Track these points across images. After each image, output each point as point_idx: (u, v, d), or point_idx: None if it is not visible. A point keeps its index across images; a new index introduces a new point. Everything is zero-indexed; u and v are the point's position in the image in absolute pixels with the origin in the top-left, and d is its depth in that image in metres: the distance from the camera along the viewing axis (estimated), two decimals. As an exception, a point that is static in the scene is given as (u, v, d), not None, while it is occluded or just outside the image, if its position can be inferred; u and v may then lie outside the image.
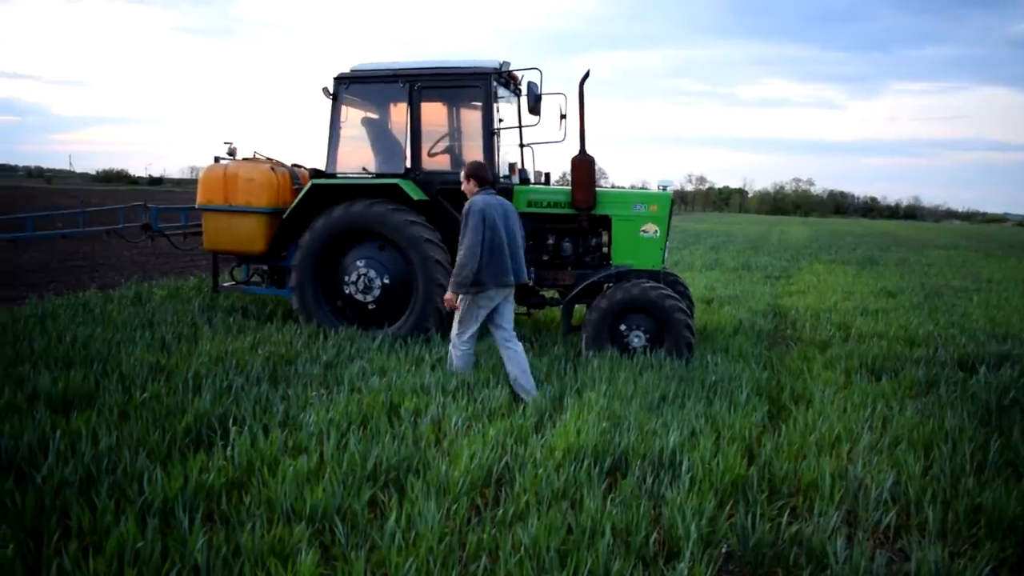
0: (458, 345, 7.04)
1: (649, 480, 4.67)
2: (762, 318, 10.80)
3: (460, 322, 7.00)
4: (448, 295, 6.87)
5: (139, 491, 4.22)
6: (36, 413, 5.31)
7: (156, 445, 4.87)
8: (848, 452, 5.31)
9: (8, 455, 4.61)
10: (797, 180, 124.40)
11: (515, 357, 6.84)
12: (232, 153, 9.62)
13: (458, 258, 6.72)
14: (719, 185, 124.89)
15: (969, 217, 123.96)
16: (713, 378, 7.00)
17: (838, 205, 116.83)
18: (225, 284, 10.23)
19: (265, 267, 9.99)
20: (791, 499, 4.65)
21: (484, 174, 7.13)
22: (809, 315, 11.35)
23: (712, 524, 4.16)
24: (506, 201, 7.09)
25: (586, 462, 4.80)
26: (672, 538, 4.05)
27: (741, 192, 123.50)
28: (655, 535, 4.07)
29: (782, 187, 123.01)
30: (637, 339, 7.92)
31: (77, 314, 9.09)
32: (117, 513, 3.95)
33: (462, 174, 7.19)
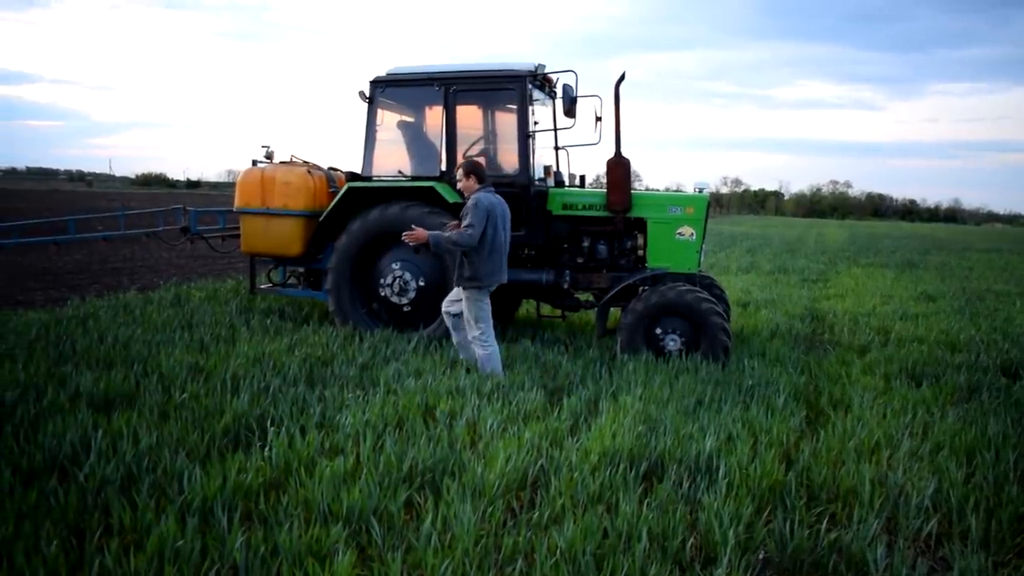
0: (484, 345, 7.21)
1: (685, 485, 4.64)
2: (799, 322, 10.70)
3: (476, 322, 7.21)
4: (420, 233, 7.09)
5: (179, 490, 4.27)
6: (78, 412, 5.39)
7: (195, 445, 4.94)
8: (888, 458, 5.23)
9: (51, 454, 4.69)
10: (834, 182, 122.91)
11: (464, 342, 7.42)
12: (269, 157, 9.71)
13: (457, 235, 6.94)
14: (755, 187, 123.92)
15: (1012, 220, 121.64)
16: (750, 382, 6.95)
17: (876, 207, 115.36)
18: (262, 286, 10.33)
19: (301, 269, 10.07)
20: (830, 505, 4.58)
21: (483, 171, 7.36)
22: (847, 319, 11.21)
23: (749, 530, 4.12)
24: (504, 201, 7.33)
25: (622, 466, 4.78)
26: (709, 543, 4.02)
27: (777, 194, 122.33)
28: (692, 540, 4.03)
29: (819, 189, 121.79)
30: (672, 342, 7.88)
31: (118, 315, 9.24)
32: (157, 512, 4.00)
33: (460, 172, 7.36)
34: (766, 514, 4.35)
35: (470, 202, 7.07)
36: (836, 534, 4.10)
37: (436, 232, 7.14)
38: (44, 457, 4.63)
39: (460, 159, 8.91)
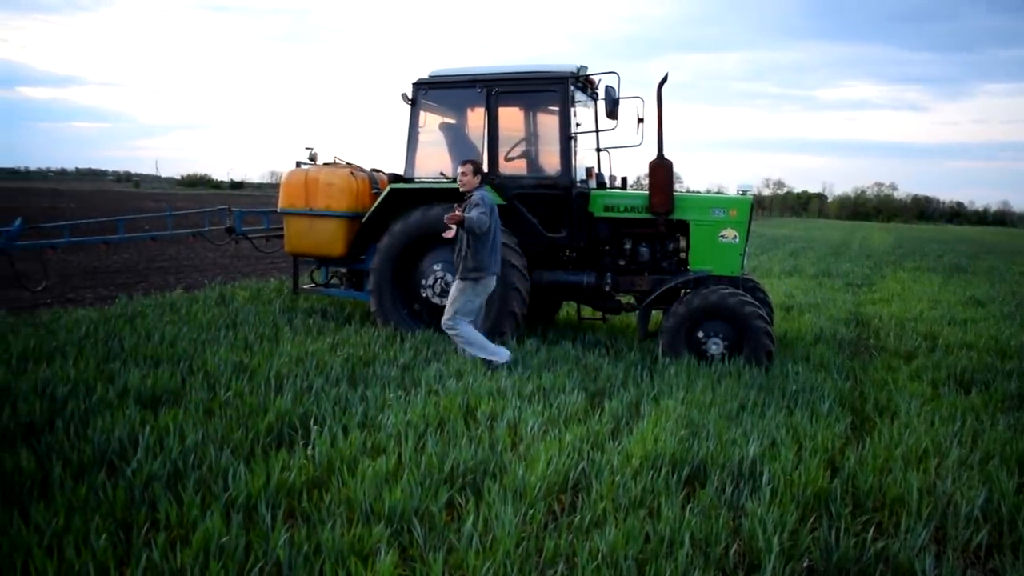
0: (461, 332, 7.63)
1: (728, 490, 4.60)
2: (844, 326, 10.55)
3: (458, 312, 7.65)
4: (457, 214, 7.30)
5: (224, 487, 4.32)
6: (126, 409, 5.49)
7: (240, 442, 5.00)
8: (936, 467, 5.13)
9: (100, 449, 4.78)
10: (879, 184, 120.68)
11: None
12: (313, 158, 9.81)
13: (476, 216, 7.27)
14: (798, 189, 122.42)
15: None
16: (794, 387, 6.87)
17: (922, 210, 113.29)
18: (305, 286, 10.43)
19: (344, 270, 10.15)
20: (876, 514, 4.51)
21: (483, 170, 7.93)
22: (893, 324, 11.03)
23: (794, 537, 4.07)
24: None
25: (664, 470, 4.75)
26: (752, 550, 3.98)
27: (821, 197, 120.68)
28: (735, 547, 4.00)
29: (863, 191, 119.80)
30: (715, 346, 7.81)
31: (164, 314, 9.39)
32: (203, 508, 4.06)
33: (469, 168, 7.75)
34: (811, 522, 4.28)
35: (476, 196, 7.54)
36: (883, 543, 4.04)
37: (468, 216, 7.32)
38: (93, 452, 4.72)
39: (502, 160, 8.93)
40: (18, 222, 8.44)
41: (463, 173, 7.75)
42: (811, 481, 4.66)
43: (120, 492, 4.15)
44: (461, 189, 7.82)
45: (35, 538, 3.64)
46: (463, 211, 7.40)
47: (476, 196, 7.56)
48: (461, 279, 7.66)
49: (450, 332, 7.72)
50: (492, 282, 7.80)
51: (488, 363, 7.37)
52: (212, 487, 4.34)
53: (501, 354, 7.52)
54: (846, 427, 5.97)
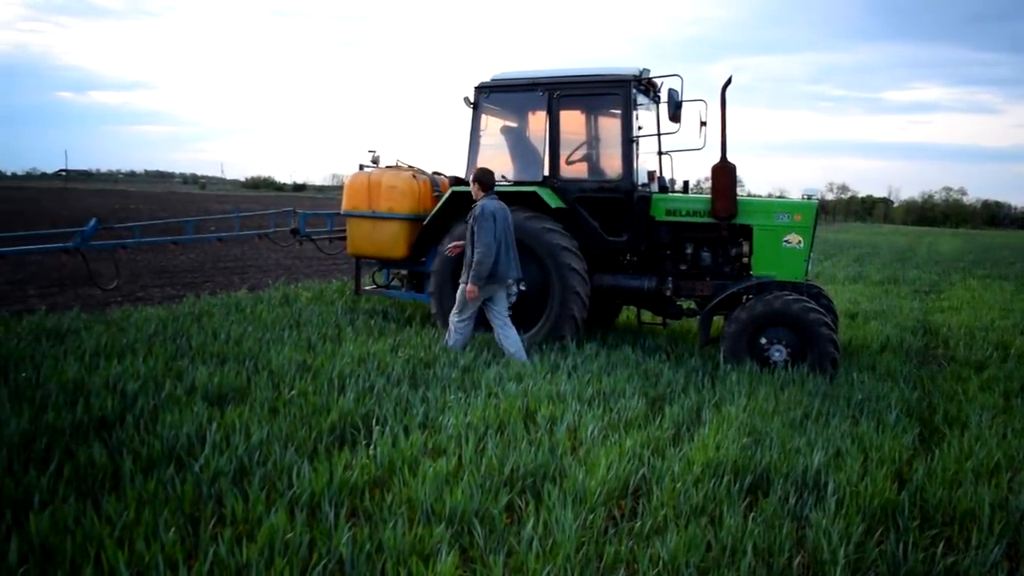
0: (459, 326, 8.12)
1: (792, 500, 4.52)
2: (911, 335, 10.30)
3: (463, 310, 8.08)
4: (470, 287, 7.84)
5: (288, 484, 4.39)
6: (194, 406, 5.62)
7: (303, 441, 5.08)
8: (1009, 481, 4.98)
9: (169, 444, 4.89)
10: (947, 189, 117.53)
11: (510, 338, 8.02)
12: (376, 161, 9.92)
13: (476, 255, 7.74)
14: (862, 194, 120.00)
15: None
16: (859, 396, 6.73)
17: (993, 216, 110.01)
18: (367, 287, 10.55)
19: (405, 272, 10.25)
20: (945, 528, 4.40)
21: (490, 180, 8.17)
22: (963, 333, 10.73)
23: (860, 550, 3.99)
24: (505, 204, 8.08)
25: (726, 478, 4.70)
26: (817, 562, 3.91)
27: (886, 201, 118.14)
28: (799, 558, 3.93)
29: (931, 196, 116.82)
30: (778, 353, 7.70)
31: (230, 313, 9.59)
32: (268, 504, 4.13)
33: (471, 178, 8.16)
34: (877, 534, 4.20)
35: (476, 211, 7.88)
36: (953, 559, 3.94)
37: (471, 275, 7.85)
38: (162, 447, 4.84)
39: (563, 164, 8.93)
40: (92, 222, 8.69)
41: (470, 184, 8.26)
42: (878, 493, 4.56)
43: (188, 487, 4.24)
44: (473, 198, 8.22)
45: (107, 530, 3.74)
46: (469, 219, 7.94)
47: (477, 207, 7.91)
48: (464, 282, 8.01)
49: (455, 324, 8.14)
50: (499, 285, 8.06)
51: (448, 342, 8.12)
52: (277, 484, 4.41)
53: (459, 349, 7.98)
54: (914, 438, 5.83)
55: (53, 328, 8.15)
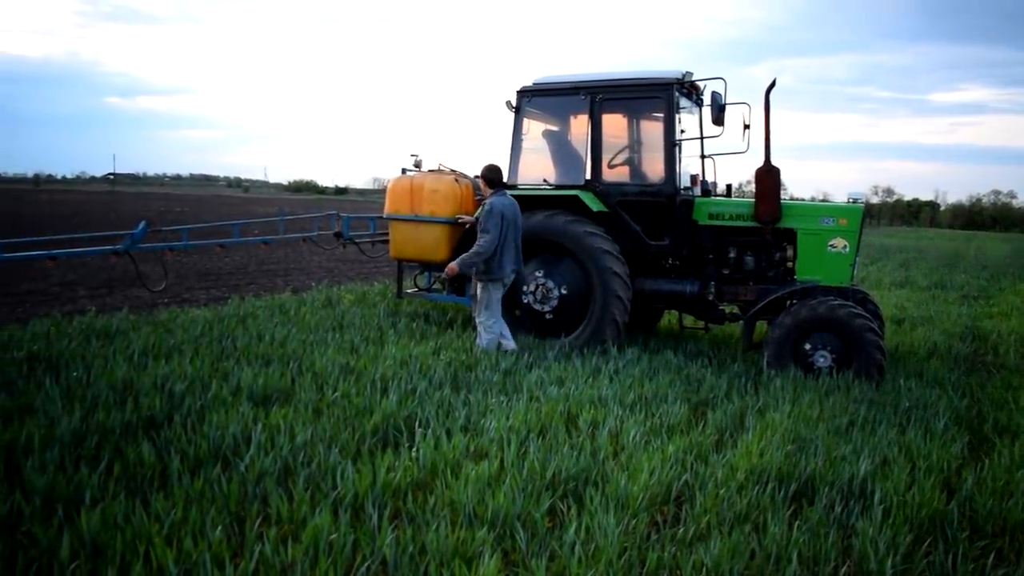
0: (489, 328, 8.32)
1: (838, 508, 4.46)
2: (959, 341, 10.11)
3: (487, 308, 8.36)
4: (452, 266, 8.41)
5: (332, 485, 4.43)
6: (239, 406, 5.69)
7: (347, 442, 5.13)
8: (1062, 491, 4.87)
9: (215, 444, 4.97)
10: (996, 192, 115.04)
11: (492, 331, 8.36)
12: (418, 165, 9.97)
13: (475, 247, 8.16)
14: (908, 197, 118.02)
15: None
16: (906, 404, 6.62)
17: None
18: (408, 291, 10.61)
19: (446, 275, 10.28)
20: (996, 540, 4.31)
21: (497, 176, 8.51)
22: (1013, 340, 10.50)
23: (907, 560, 3.93)
24: (515, 201, 8.43)
25: (770, 485, 4.65)
26: (863, 572, 3.85)
27: (932, 205, 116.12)
28: (845, 567, 3.88)
29: (979, 200, 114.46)
30: (823, 359, 7.60)
31: (274, 315, 9.71)
32: (312, 505, 4.17)
33: (483, 180, 8.49)
34: (925, 545, 4.13)
35: (485, 207, 8.23)
36: (1003, 571, 3.89)
37: (460, 258, 8.33)
38: (209, 447, 4.91)
39: (605, 167, 8.92)
40: (142, 225, 8.84)
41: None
42: (925, 502, 4.49)
43: (234, 486, 4.30)
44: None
45: (155, 527, 3.80)
46: (479, 215, 8.36)
47: (487, 204, 8.28)
48: (479, 281, 8.41)
49: (482, 326, 8.37)
50: (506, 279, 8.46)
51: (480, 343, 8.31)
52: (321, 485, 4.46)
53: (492, 350, 8.17)
54: (963, 447, 5.72)
55: (103, 329, 8.31)
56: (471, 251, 8.18)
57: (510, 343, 8.37)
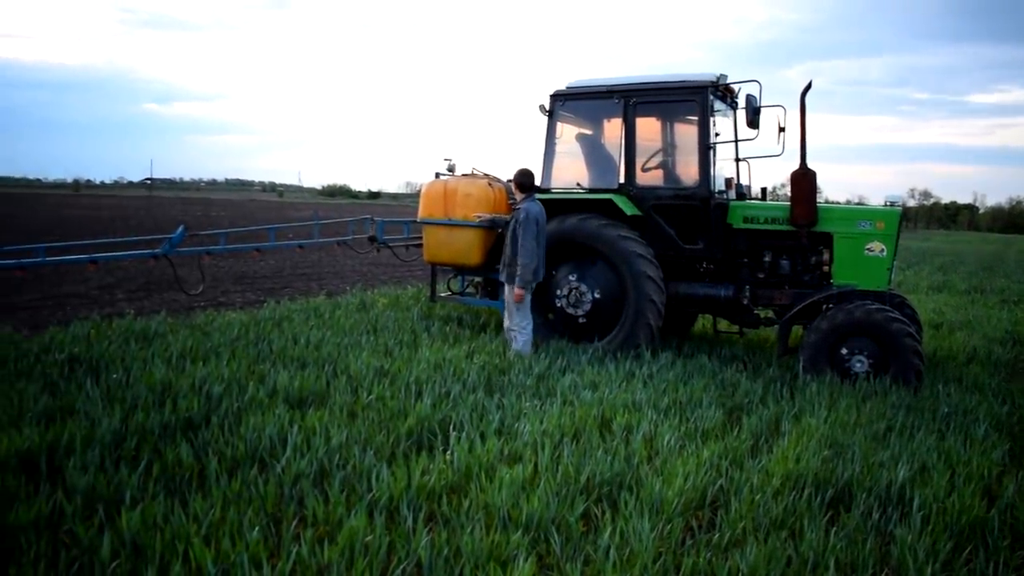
0: (523, 329, 8.47)
1: (876, 515, 4.41)
2: (999, 346, 9.95)
3: (518, 311, 8.46)
4: (518, 291, 8.39)
5: (367, 487, 4.46)
6: (276, 408, 5.75)
7: (382, 445, 5.16)
8: (1107, 500, 4.78)
9: (252, 445, 5.02)
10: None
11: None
12: (452, 169, 10.01)
13: (522, 260, 8.26)
14: (946, 200, 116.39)
15: None
16: (945, 410, 6.53)
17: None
18: (442, 294, 10.65)
19: (480, 279, 10.31)
20: (1039, 548, 4.24)
21: (530, 181, 8.64)
22: (1056, 345, 10.32)
23: (947, 568, 3.89)
24: (542, 206, 8.51)
25: (806, 491, 4.62)
26: (902, 579, 3.81)
27: (971, 208, 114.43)
28: (883, 574, 3.84)
29: (1019, 202, 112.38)
30: (859, 364, 7.52)
31: (309, 318, 9.79)
32: (348, 507, 4.20)
33: (515, 184, 8.65)
34: (966, 553, 4.07)
35: (520, 214, 8.33)
36: (1047, 579, 3.80)
37: (517, 277, 8.35)
38: (246, 448, 4.97)
39: (639, 171, 8.90)
40: (180, 229, 8.96)
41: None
42: (965, 509, 4.43)
43: (271, 488, 4.35)
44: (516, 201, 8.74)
45: (194, 528, 3.85)
46: (512, 221, 8.44)
47: (519, 215, 8.36)
48: (510, 283, 8.49)
49: (517, 328, 8.48)
50: (536, 282, 8.59)
51: (515, 346, 8.41)
52: (356, 487, 4.49)
53: (529, 352, 8.33)
54: (1004, 454, 5.62)
55: (141, 331, 8.43)
56: (521, 266, 8.28)
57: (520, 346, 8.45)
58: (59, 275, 14.25)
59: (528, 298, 8.52)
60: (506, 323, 8.66)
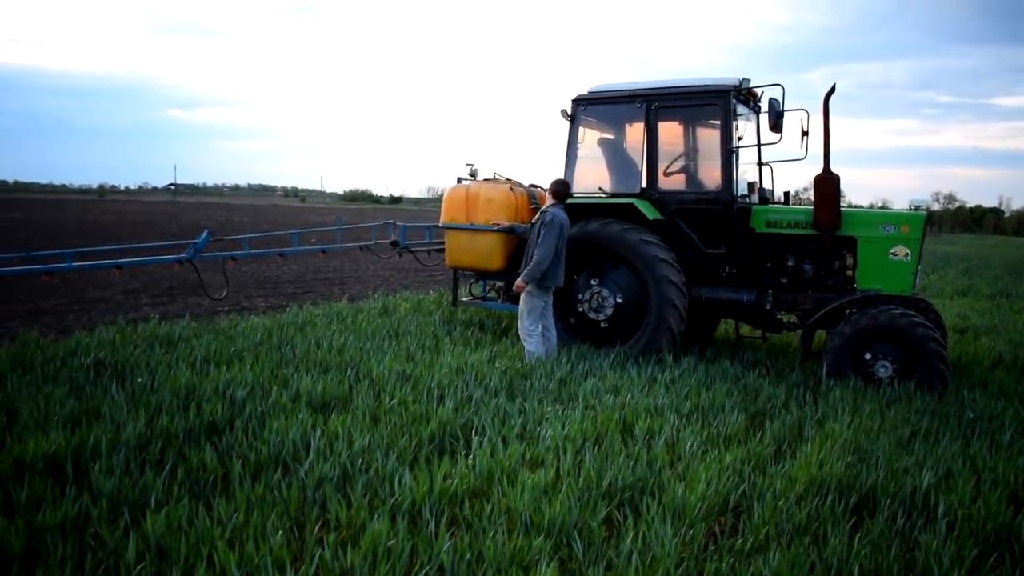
0: (533, 334, 8.47)
1: (900, 521, 4.38)
2: (1026, 351, 9.83)
3: (529, 314, 8.49)
4: (519, 283, 8.42)
5: (390, 492, 4.48)
6: (299, 412, 5.79)
7: (404, 449, 5.17)
8: None
9: (275, 449, 5.05)
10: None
11: (552, 341, 8.62)
12: (474, 174, 10.03)
13: (536, 256, 8.24)
14: (971, 204, 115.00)
15: None
16: (970, 415, 6.47)
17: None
18: (464, 299, 10.67)
19: (501, 284, 10.32)
20: (1066, 555, 4.19)
21: (566, 191, 8.69)
22: (1083, 350, 10.17)
23: (973, 575, 3.83)
24: (567, 217, 8.49)
25: (830, 496, 4.58)
26: (928, 585, 3.77)
27: (997, 211, 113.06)
28: (909, 581, 3.80)
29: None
30: (883, 369, 7.46)
31: (331, 322, 9.84)
32: (371, 511, 4.22)
33: (549, 189, 8.67)
34: (992, 559, 4.03)
35: (547, 216, 8.34)
36: (1075, 587, 3.75)
37: (525, 271, 8.38)
38: (269, 452, 5.00)
39: (661, 175, 8.89)
40: (204, 234, 9.03)
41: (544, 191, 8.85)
42: (991, 516, 4.38)
43: (294, 492, 4.37)
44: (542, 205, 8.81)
45: (218, 531, 3.88)
46: (537, 222, 8.46)
47: (548, 214, 8.38)
48: (528, 285, 8.45)
49: (525, 331, 8.53)
50: (551, 291, 8.65)
51: (529, 347, 8.43)
52: (379, 491, 4.50)
53: (543, 356, 8.27)
54: (1031, 460, 5.56)
55: (166, 336, 8.51)
56: (532, 263, 8.27)
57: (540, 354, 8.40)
58: (85, 280, 14.41)
59: (538, 303, 8.50)
60: (519, 325, 8.70)
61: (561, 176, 9.01)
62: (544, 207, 8.56)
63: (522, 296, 8.56)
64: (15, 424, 5.34)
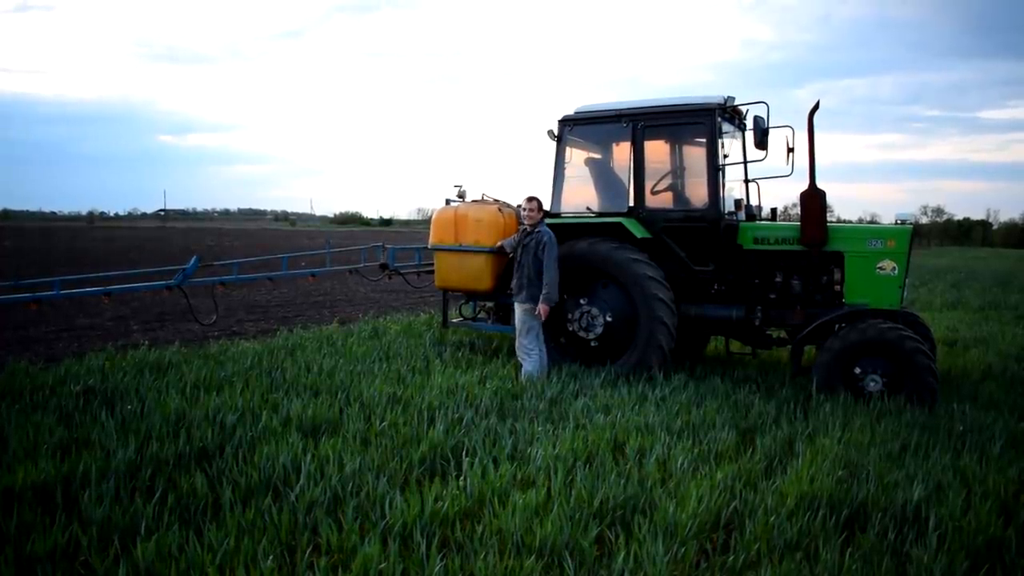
0: (531, 351, 8.54)
1: (891, 535, 4.39)
2: (1015, 363, 9.88)
3: (527, 333, 8.57)
4: (543, 307, 8.40)
5: (381, 514, 4.47)
6: (289, 437, 5.77)
7: (395, 471, 5.17)
8: None
9: (266, 474, 5.03)
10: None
11: (544, 360, 8.62)
12: (462, 196, 10.06)
13: (548, 278, 8.34)
14: (959, 217, 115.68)
15: None
16: (960, 428, 6.49)
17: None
18: (454, 320, 10.67)
19: (491, 304, 10.33)
20: (1057, 566, 4.20)
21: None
22: (1072, 361, 10.23)
23: (965, 588, 3.84)
24: None
25: (821, 512, 4.59)
26: (920, 599, 3.78)
27: (984, 224, 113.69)
28: (900, 594, 3.81)
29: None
30: (873, 383, 7.49)
31: (322, 346, 9.83)
32: (362, 534, 4.21)
33: (535, 205, 8.64)
34: (983, 572, 4.04)
35: (544, 236, 8.44)
36: (1066, 598, 3.76)
37: (544, 295, 8.38)
38: (260, 477, 4.98)
39: (648, 194, 8.93)
40: (193, 260, 9.03)
41: (529, 209, 8.62)
42: (982, 528, 4.40)
43: (285, 516, 4.36)
44: (527, 223, 8.66)
45: (209, 557, 3.87)
46: (523, 239, 8.60)
47: (546, 235, 8.47)
48: (524, 303, 8.56)
49: (524, 350, 8.59)
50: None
51: (526, 368, 8.48)
52: (370, 514, 4.49)
53: (544, 375, 8.39)
54: (1021, 471, 5.57)
55: (155, 362, 8.49)
56: (547, 283, 8.34)
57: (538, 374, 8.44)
58: (74, 307, 14.36)
59: (535, 322, 8.55)
60: (517, 344, 8.71)
61: (545, 195, 9.07)
62: (536, 227, 8.57)
63: (518, 315, 8.58)
64: (4, 453, 5.32)
